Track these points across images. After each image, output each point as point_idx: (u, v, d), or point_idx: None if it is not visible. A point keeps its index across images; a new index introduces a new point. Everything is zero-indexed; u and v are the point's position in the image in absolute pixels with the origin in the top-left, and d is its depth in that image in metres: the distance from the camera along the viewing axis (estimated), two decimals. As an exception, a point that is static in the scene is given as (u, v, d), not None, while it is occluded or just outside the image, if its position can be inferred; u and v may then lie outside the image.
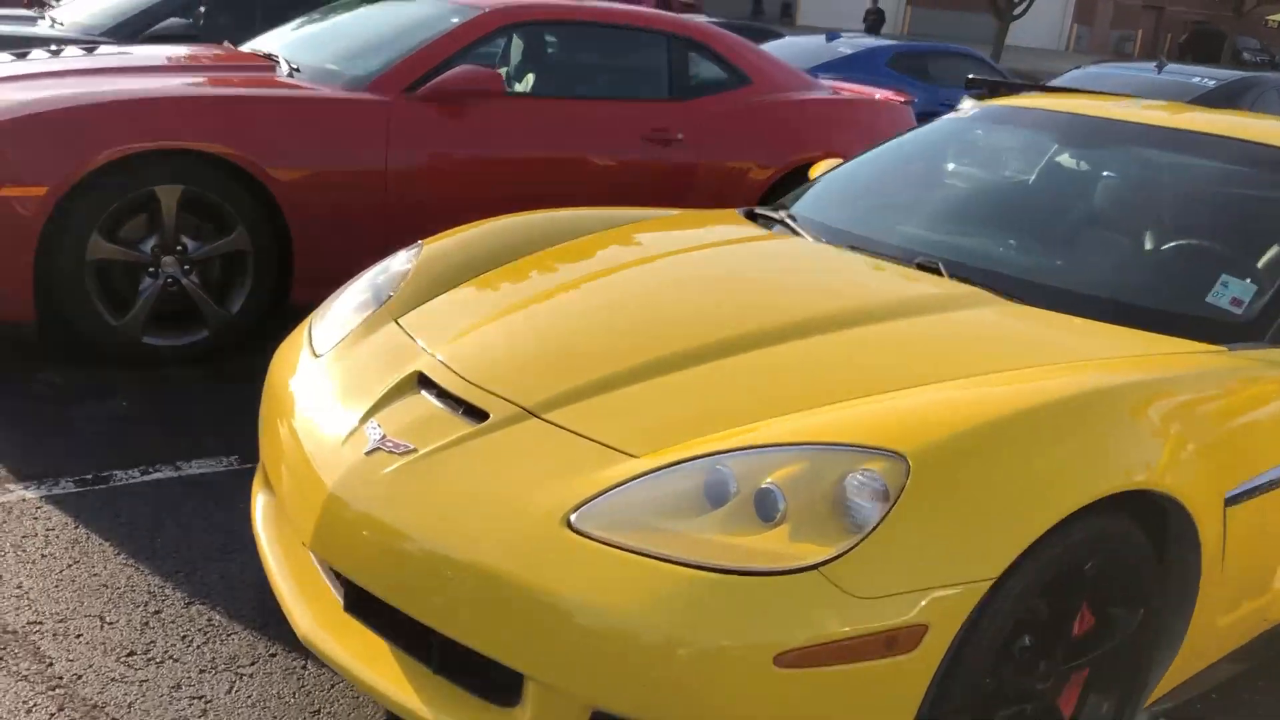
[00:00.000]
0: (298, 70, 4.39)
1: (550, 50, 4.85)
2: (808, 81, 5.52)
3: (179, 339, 3.97)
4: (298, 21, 5.29)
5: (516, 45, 4.66)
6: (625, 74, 5.07)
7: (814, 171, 3.76)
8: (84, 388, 3.69)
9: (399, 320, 2.51)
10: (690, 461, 1.82)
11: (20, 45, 5.69)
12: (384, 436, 2.05)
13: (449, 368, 2.23)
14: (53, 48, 4.58)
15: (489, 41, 4.55)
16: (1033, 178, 3.39)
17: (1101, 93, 3.83)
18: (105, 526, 2.82)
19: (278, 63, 4.47)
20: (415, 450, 1.99)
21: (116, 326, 3.82)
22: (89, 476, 3.07)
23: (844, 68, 9.32)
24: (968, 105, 3.59)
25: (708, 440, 1.89)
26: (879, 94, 5.89)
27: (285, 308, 4.17)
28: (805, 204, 3.27)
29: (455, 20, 4.56)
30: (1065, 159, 3.40)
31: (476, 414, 2.07)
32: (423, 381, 2.21)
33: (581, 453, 1.93)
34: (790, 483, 1.74)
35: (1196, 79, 8.94)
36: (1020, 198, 3.35)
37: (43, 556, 2.65)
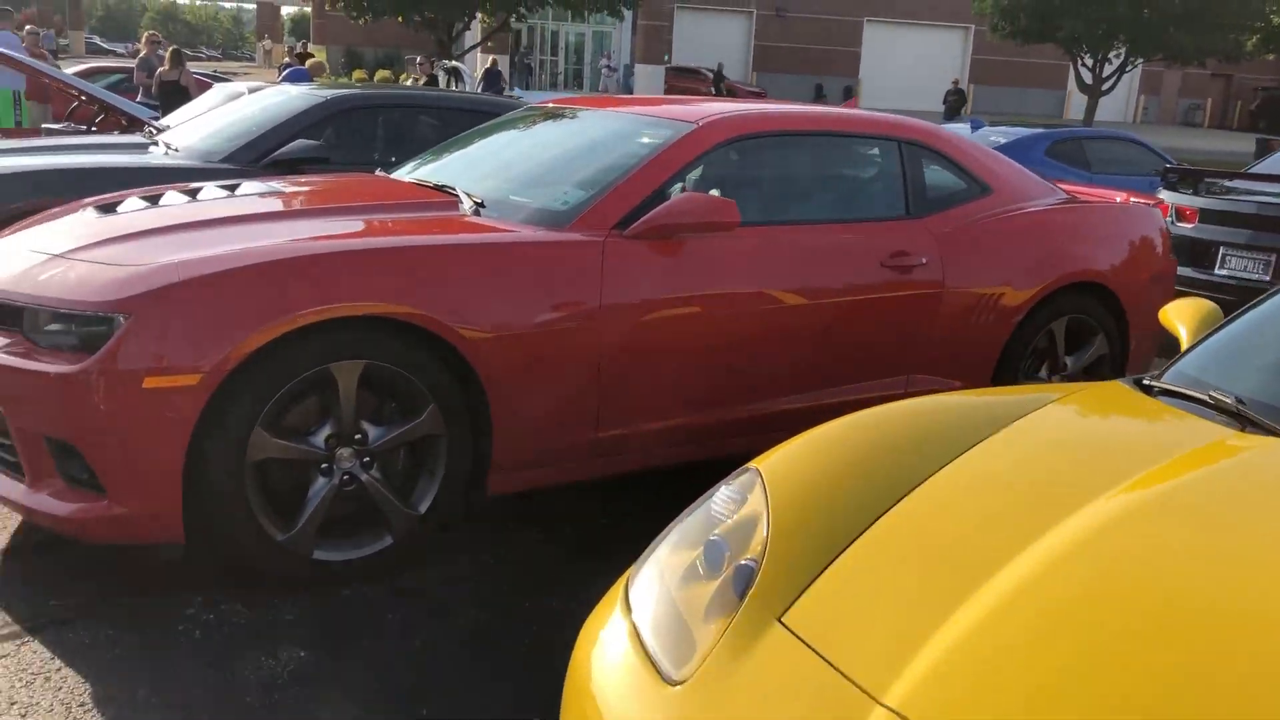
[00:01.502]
0: (482, 206, 3.63)
1: (770, 168, 4.06)
2: (1046, 186, 4.67)
3: (357, 550, 3.16)
4: (454, 143, 4.57)
5: (730, 163, 3.87)
6: (857, 191, 4.26)
7: (1176, 319, 2.88)
8: (244, 627, 2.87)
9: (787, 623, 1.65)
10: None
11: (137, 179, 5.06)
12: None
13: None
14: (191, 187, 3.86)
15: (702, 162, 3.75)
16: None
17: None
18: None
19: (457, 198, 3.71)
20: None
21: (282, 542, 3.02)
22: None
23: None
24: None
25: None
26: (1119, 197, 5.03)
27: (476, 503, 3.36)
28: (1229, 375, 2.39)
29: (659, 138, 3.79)
30: None
31: None
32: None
33: None
34: None
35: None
36: None
37: None
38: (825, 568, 1.76)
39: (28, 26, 13.54)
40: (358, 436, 3.11)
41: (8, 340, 3.00)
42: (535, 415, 3.32)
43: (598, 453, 3.48)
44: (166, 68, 12.53)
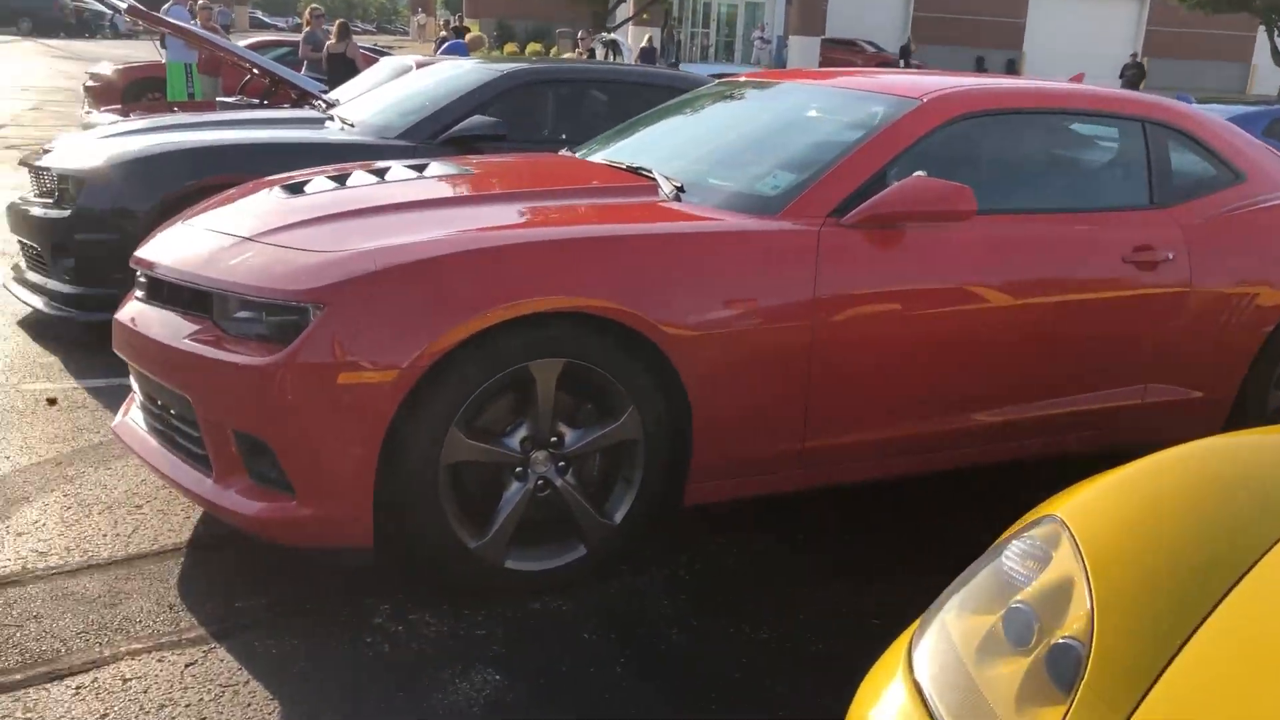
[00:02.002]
0: (682, 191, 3.35)
1: (999, 150, 3.66)
2: (1304, 172, 4.12)
3: (550, 560, 2.94)
4: (643, 120, 4.30)
5: (956, 144, 3.49)
6: (1096, 176, 3.82)
7: None
8: (434, 642, 2.68)
9: (1141, 727, 1.32)
10: None
11: (313, 155, 4.96)
12: None
13: None
14: (378, 166, 3.69)
15: (926, 143, 3.38)
16: None
17: None
18: None
19: (655, 182, 3.43)
20: None
21: (473, 549, 2.82)
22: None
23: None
24: None
25: None
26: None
27: (671, 512, 3.11)
28: None
29: (878, 115, 3.44)
30: None
31: None
32: None
33: None
34: None
35: None
36: None
37: None
38: (1175, 655, 1.42)
39: (201, 1, 13.83)
40: (553, 439, 2.88)
41: (197, 327, 2.88)
42: (739, 421, 3.04)
43: (804, 463, 3.18)
44: (333, 41, 12.64)
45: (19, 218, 5.24)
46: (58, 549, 3.02)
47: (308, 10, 13.34)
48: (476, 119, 5.31)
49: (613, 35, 17.47)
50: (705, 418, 2.97)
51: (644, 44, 20.48)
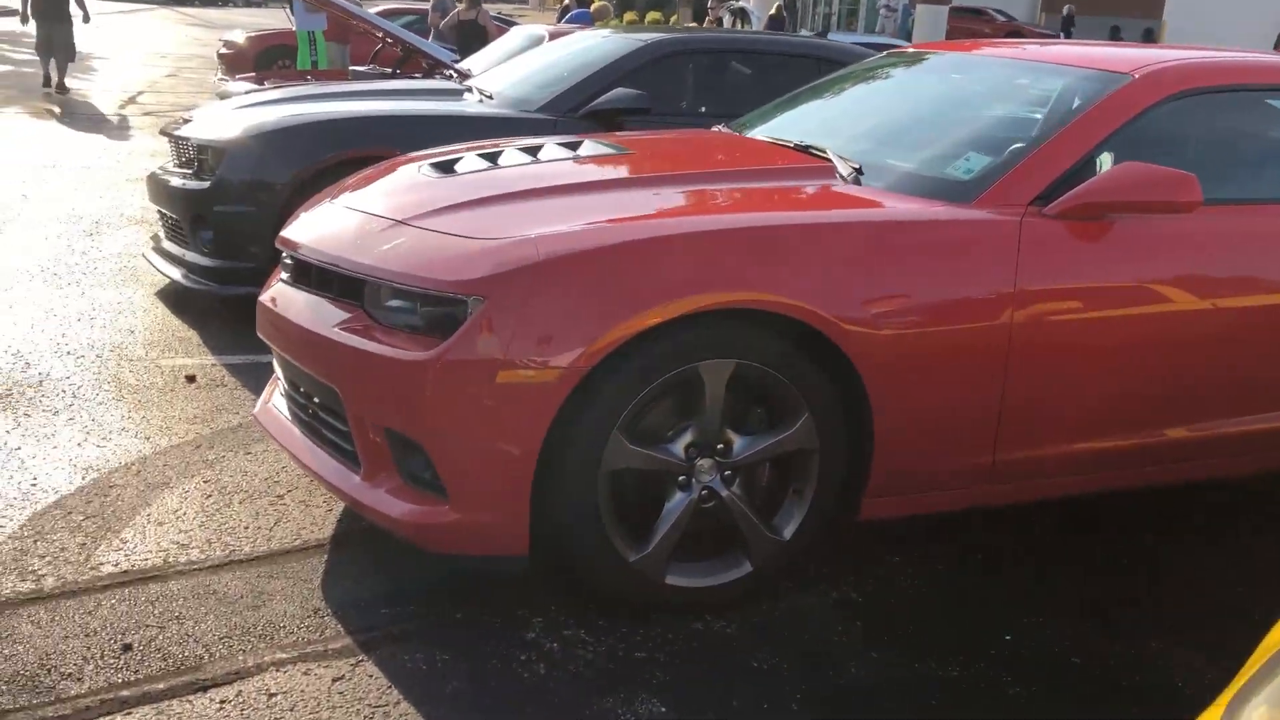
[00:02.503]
0: (860, 173, 3.06)
1: (1219, 133, 3.27)
2: None
3: (713, 577, 2.70)
4: (805, 94, 4.00)
5: (1170, 124, 3.11)
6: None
7: None
8: (591, 664, 2.47)
9: None
10: None
11: (453, 128, 4.78)
12: None
13: None
14: (527, 144, 3.47)
15: (1140, 123, 3.02)
16: None
17: None
18: None
19: (831, 163, 3.15)
20: None
21: (633, 562, 2.60)
22: None
23: None
24: None
25: None
26: None
27: (843, 527, 2.85)
28: None
29: (1083, 92, 3.08)
30: None
31: None
32: None
33: None
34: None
35: None
36: None
37: None
38: None
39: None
40: (720, 446, 2.64)
41: (346, 315, 2.71)
42: (926, 430, 2.75)
43: (995, 477, 2.87)
44: (464, 7, 12.55)
45: (158, 188, 5.20)
46: (199, 541, 2.91)
47: (438, -24, 13.24)
48: (619, 92, 5.06)
49: (741, 4, 17.01)
50: (888, 426, 2.69)
51: (771, 12, 19.97)
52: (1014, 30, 33.51)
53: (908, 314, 2.67)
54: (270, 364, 4.20)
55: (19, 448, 3.41)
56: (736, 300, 2.50)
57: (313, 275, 2.89)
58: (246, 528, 3.00)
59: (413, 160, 3.55)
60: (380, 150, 4.78)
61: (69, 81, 13.68)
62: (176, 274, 4.97)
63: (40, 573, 2.70)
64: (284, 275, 3.05)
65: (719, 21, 15.68)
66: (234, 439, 3.59)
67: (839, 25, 36.58)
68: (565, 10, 17.04)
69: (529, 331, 2.42)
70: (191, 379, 4.11)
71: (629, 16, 33.23)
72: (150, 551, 2.84)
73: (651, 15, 34.53)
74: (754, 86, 5.46)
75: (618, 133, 4.12)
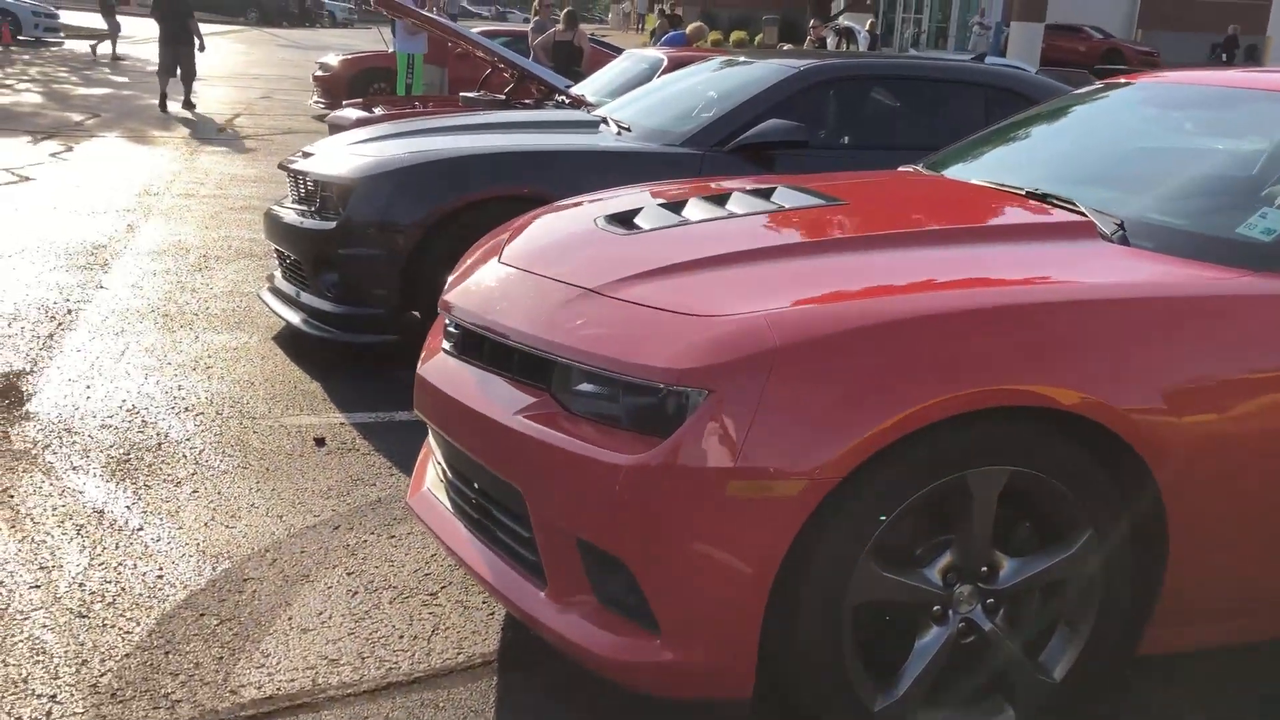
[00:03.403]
0: (1123, 229, 2.57)
1: None
2: None
3: (970, 729, 2.23)
4: (1005, 129, 3.52)
5: None
6: None
7: None
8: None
9: None
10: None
11: (598, 164, 4.40)
12: None
13: None
14: (714, 188, 3.03)
15: None
16: None
17: None
18: None
19: (1084, 216, 2.66)
20: None
21: (877, 712, 2.14)
22: None
23: None
24: None
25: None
26: None
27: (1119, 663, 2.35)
28: None
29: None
30: None
31: None
32: None
33: None
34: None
35: None
36: None
37: None
38: None
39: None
40: (984, 570, 2.17)
41: (531, 400, 2.29)
42: (1235, 545, 2.26)
43: (1307, 603, 2.36)
44: (561, 28, 12.26)
45: (276, 226, 4.88)
46: (349, 655, 2.51)
47: (536, -1, 12.98)
48: (773, 123, 4.63)
49: (848, 22, 16.48)
50: (1189, 543, 2.20)
51: (866, 29, 19.45)
52: (1113, 48, 32.49)
53: (1216, 408, 2.18)
54: (407, 423, 3.84)
55: (141, 528, 3.06)
56: (1017, 394, 2.04)
57: (485, 349, 2.48)
58: (401, 636, 2.60)
59: (574, 206, 3.15)
60: (519, 189, 4.42)
61: (173, 105, 13.71)
62: (295, 319, 4.64)
63: (175, 697, 2.32)
64: (447, 344, 2.65)
65: (822, 42, 15.18)
66: (374, 519, 3.20)
67: (929, 43, 35.86)
68: (663, 32, 16.68)
69: (767, 433, 1.98)
70: (320, 442, 3.74)
71: (713, 36, 32.93)
72: (296, 669, 2.44)
73: (736, 35, 34.19)
74: (918, 118, 4.99)
75: (807, 176, 3.63)
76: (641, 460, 2.03)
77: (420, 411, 2.67)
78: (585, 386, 2.21)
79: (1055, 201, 2.78)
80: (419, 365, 2.70)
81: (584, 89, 8.05)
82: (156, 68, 14.05)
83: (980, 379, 2.02)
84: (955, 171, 3.29)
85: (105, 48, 21.16)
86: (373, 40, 30.51)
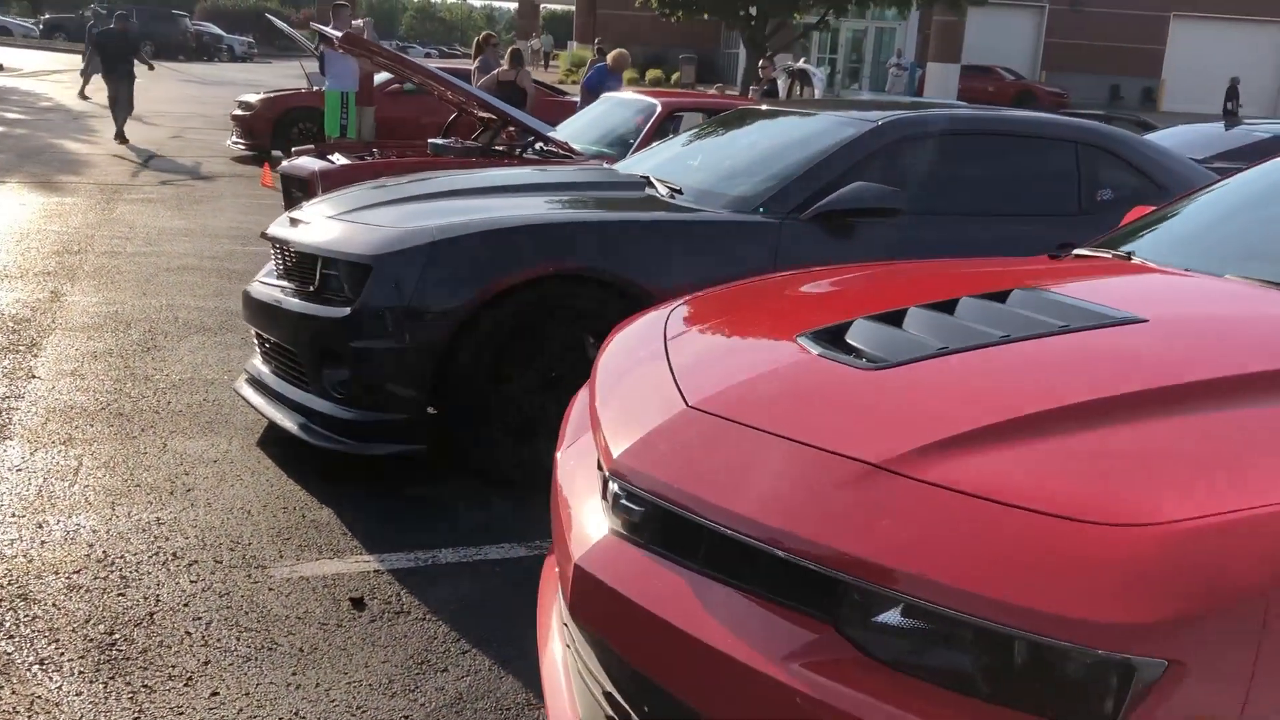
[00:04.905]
0: None
1: None
2: None
3: None
4: (1190, 198, 2.91)
5: None
6: None
7: None
8: None
9: None
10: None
11: (660, 234, 3.71)
12: None
13: None
14: (941, 298, 2.30)
15: None
16: None
17: None
18: None
19: None
20: None
21: None
22: None
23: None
24: None
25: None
26: None
27: None
28: None
29: None
30: None
31: None
32: None
33: None
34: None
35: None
36: None
37: None
38: None
39: (355, 22, 12.80)
40: None
41: (806, 637, 1.56)
42: None
43: None
44: (505, 68, 11.53)
45: (261, 310, 4.04)
46: None
47: (481, 36, 12.23)
48: (864, 185, 3.96)
49: (802, 64, 16.04)
50: None
51: (821, 72, 19.09)
52: (1025, 89, 33.03)
53: None
54: (454, 566, 2.90)
55: (153, 765, 2.21)
56: None
57: (703, 545, 1.73)
58: None
59: (728, 311, 2.43)
60: (578, 266, 3.68)
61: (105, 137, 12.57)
62: (290, 424, 3.79)
63: None
64: (619, 523, 1.89)
65: (773, 83, 14.71)
66: (448, 714, 2.41)
67: (842, 84, 36.01)
68: (592, 65, 15.98)
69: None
70: (359, 604, 2.92)
71: (628, 74, 32.49)
72: None
73: (652, 73, 33.76)
74: (1008, 178, 4.39)
75: (999, 271, 2.89)
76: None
77: (583, 624, 1.89)
78: (904, 623, 1.48)
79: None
80: (570, 545, 1.93)
81: (564, 136, 7.33)
82: (108, 103, 14.38)
83: None
84: (1184, 259, 2.63)
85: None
86: (281, 75, 29.16)
